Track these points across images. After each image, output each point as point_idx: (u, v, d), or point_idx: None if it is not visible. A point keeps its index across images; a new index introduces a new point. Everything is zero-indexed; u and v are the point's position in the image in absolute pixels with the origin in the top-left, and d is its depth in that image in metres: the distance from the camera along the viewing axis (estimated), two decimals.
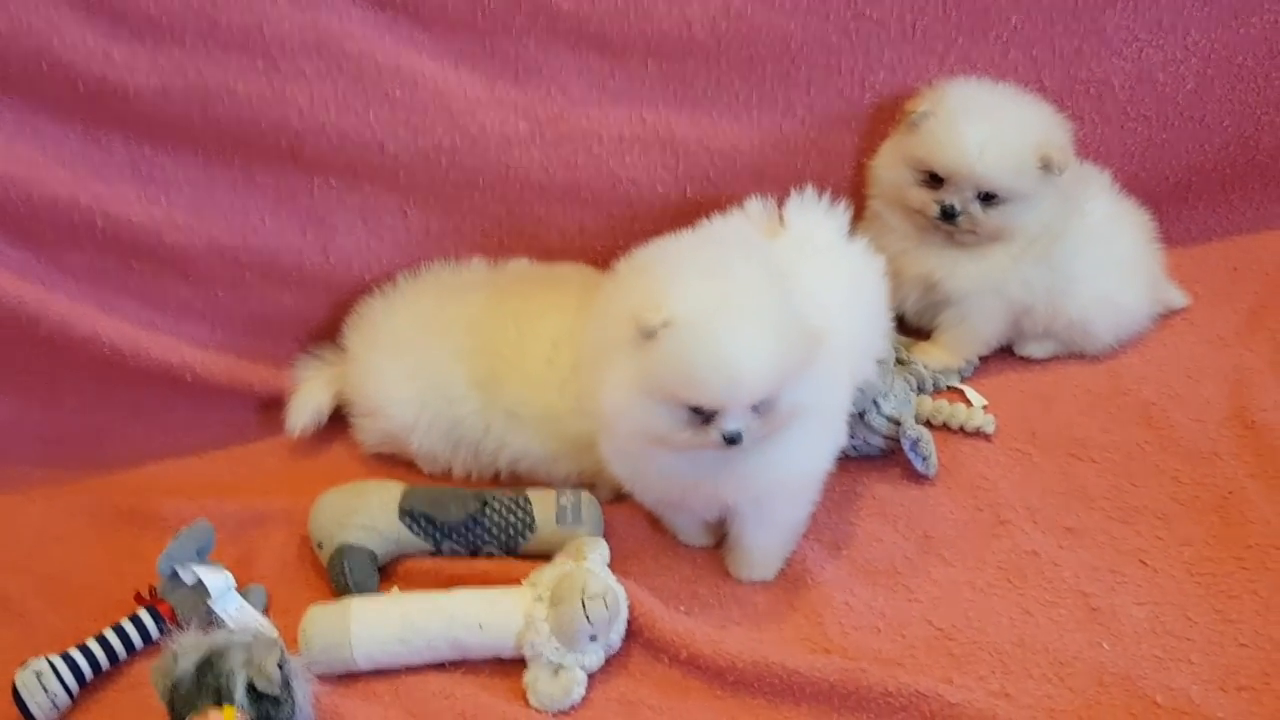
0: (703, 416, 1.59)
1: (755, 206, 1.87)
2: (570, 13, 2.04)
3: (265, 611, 1.81)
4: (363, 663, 1.71)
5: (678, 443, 1.61)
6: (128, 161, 2.02)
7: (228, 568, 1.81)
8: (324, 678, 1.66)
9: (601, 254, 2.16)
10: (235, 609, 1.77)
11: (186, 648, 1.56)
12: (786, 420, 1.63)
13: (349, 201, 2.13)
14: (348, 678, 1.72)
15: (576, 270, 2.12)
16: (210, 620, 1.72)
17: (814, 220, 1.88)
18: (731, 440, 1.59)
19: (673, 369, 1.56)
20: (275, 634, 1.69)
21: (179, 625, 1.72)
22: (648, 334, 1.56)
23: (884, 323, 1.96)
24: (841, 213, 1.90)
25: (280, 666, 1.55)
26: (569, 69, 2.10)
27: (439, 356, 2.00)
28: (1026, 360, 2.22)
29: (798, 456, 1.73)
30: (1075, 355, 2.21)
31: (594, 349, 1.71)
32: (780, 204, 1.88)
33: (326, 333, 2.19)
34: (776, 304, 1.58)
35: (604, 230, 2.21)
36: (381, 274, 2.16)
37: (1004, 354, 2.23)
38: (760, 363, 1.55)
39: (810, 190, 1.88)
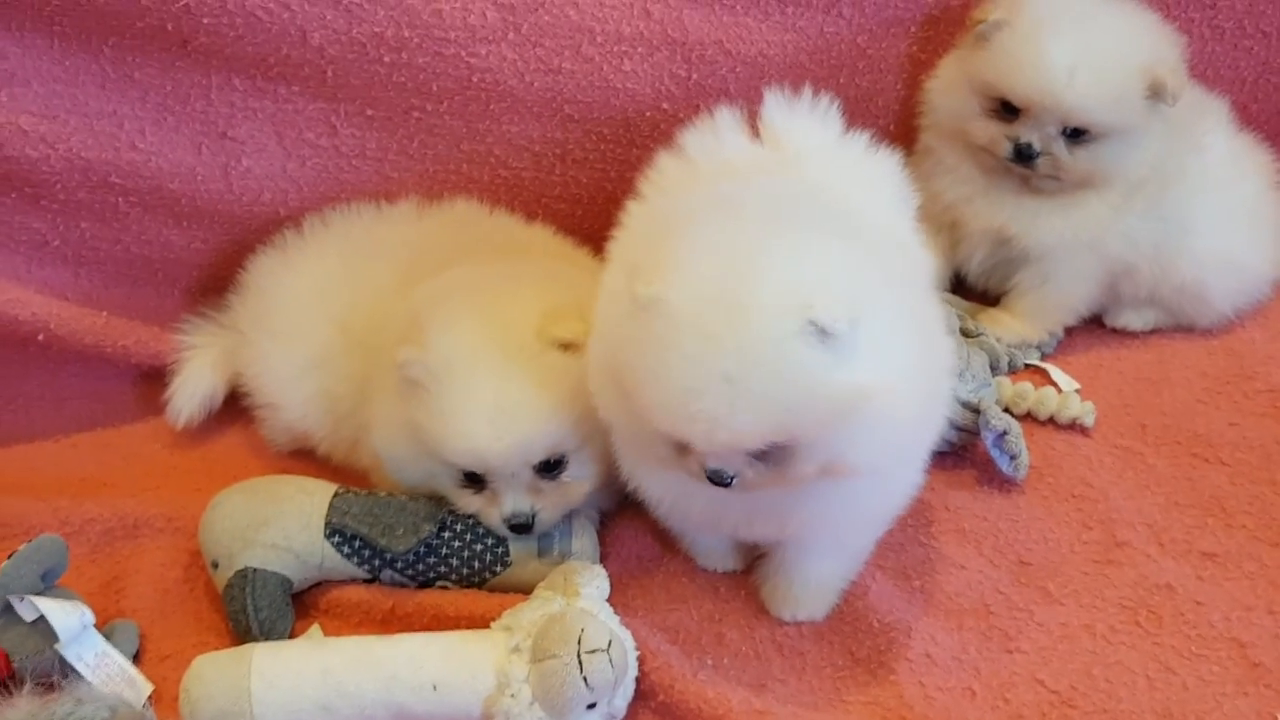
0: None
1: (725, 117, 1.53)
2: None
3: (136, 660, 1.52)
4: None
5: (660, 463, 1.32)
6: None
7: (85, 599, 1.51)
8: None
9: (587, 186, 1.96)
10: (94, 656, 1.47)
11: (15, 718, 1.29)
12: (826, 473, 1.25)
13: (259, 109, 1.82)
14: None
15: (523, 228, 1.84)
16: (58, 672, 1.44)
17: (802, 126, 1.53)
18: (718, 481, 1.26)
19: (638, 376, 1.21)
20: (145, 695, 1.44)
21: (13, 680, 1.42)
22: (639, 307, 1.20)
23: (924, 247, 1.60)
24: (829, 111, 1.55)
25: None
26: None
27: (340, 343, 1.70)
28: (1121, 333, 1.98)
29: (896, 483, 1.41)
30: (1181, 328, 1.97)
31: (600, 309, 1.37)
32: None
33: (225, 283, 1.90)
34: (793, 333, 1.16)
35: (591, 156, 1.93)
36: (302, 206, 1.88)
37: (1092, 326, 1.99)
38: (720, 401, 1.16)
39: (781, 92, 1.55)
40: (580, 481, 1.51)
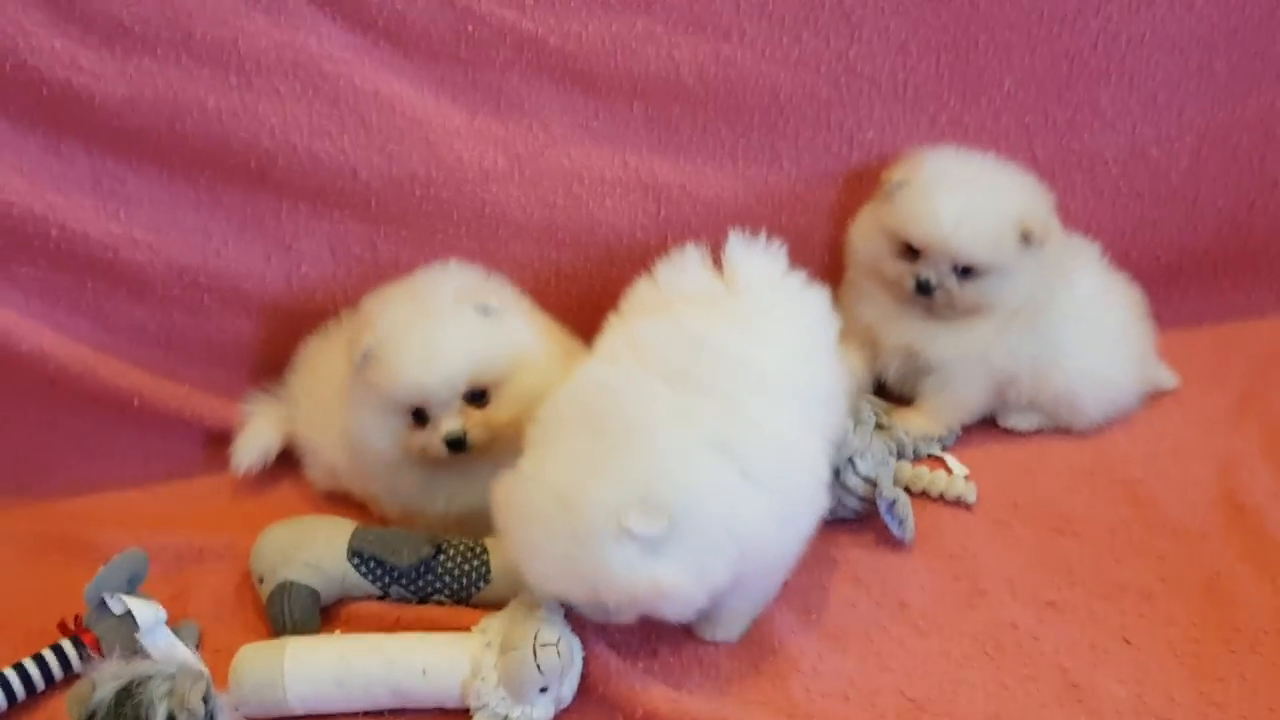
0: None
1: (692, 253, 1.82)
2: (556, 48, 2.02)
3: (197, 649, 1.74)
4: (295, 705, 1.63)
5: None
6: (89, 173, 1.97)
7: (161, 603, 1.73)
8: (254, 719, 1.61)
9: (576, 298, 2.17)
10: (164, 644, 1.68)
11: (106, 676, 1.49)
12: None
13: (317, 228, 2.08)
14: None
15: None
16: (137, 654, 1.62)
17: (755, 262, 1.82)
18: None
19: (509, 528, 1.59)
20: (203, 667, 1.61)
21: (103, 657, 1.63)
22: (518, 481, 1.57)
23: (839, 363, 1.88)
24: (779, 251, 1.84)
25: (205, 700, 1.49)
26: (552, 106, 2.08)
27: None
28: (1010, 432, 2.18)
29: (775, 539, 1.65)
30: (1060, 430, 2.16)
31: None
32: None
33: (283, 366, 2.12)
34: None
35: (580, 273, 2.18)
36: (346, 304, 2.09)
37: (988, 425, 2.18)
38: (548, 569, 1.55)
39: (739, 231, 1.83)
40: (501, 409, 1.81)
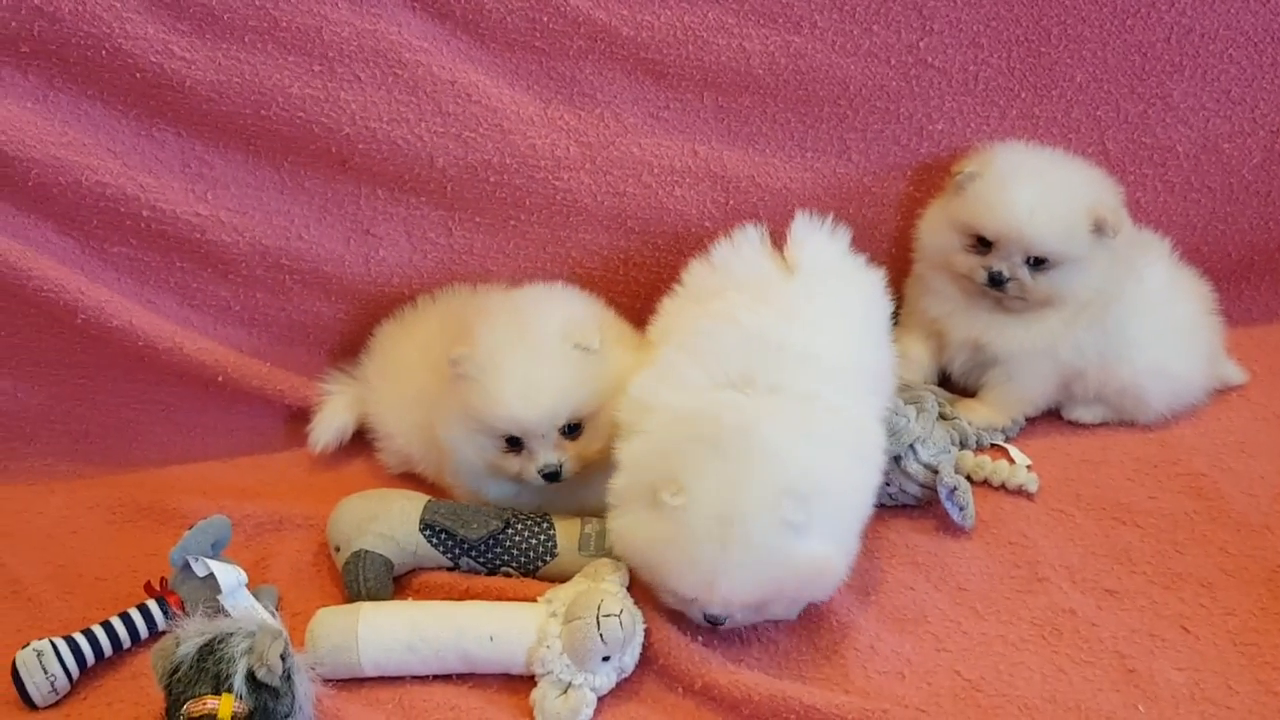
0: None
1: (750, 234, 1.87)
2: (629, 39, 2.06)
3: (276, 612, 1.76)
4: (368, 668, 1.69)
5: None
6: (179, 156, 2.03)
7: (242, 568, 1.78)
8: (328, 680, 1.65)
9: (644, 285, 2.23)
10: (245, 605, 1.73)
11: (190, 632, 1.56)
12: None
13: (395, 213, 2.14)
14: (352, 682, 1.70)
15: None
16: (219, 614, 1.67)
17: (818, 244, 1.87)
18: (713, 623, 1.73)
19: (665, 557, 1.67)
20: (282, 627, 1.65)
21: (187, 616, 1.65)
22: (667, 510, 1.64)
23: (889, 345, 1.94)
24: (843, 234, 1.90)
25: (283, 658, 1.54)
26: (624, 96, 2.11)
27: (434, 386, 1.97)
28: (1075, 425, 2.19)
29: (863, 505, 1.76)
30: (1125, 423, 2.18)
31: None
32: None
33: (360, 346, 2.20)
34: None
35: (648, 261, 2.23)
36: (422, 289, 2.18)
37: (1052, 417, 2.20)
38: (724, 579, 1.64)
39: (806, 214, 1.89)
40: (594, 441, 1.85)
